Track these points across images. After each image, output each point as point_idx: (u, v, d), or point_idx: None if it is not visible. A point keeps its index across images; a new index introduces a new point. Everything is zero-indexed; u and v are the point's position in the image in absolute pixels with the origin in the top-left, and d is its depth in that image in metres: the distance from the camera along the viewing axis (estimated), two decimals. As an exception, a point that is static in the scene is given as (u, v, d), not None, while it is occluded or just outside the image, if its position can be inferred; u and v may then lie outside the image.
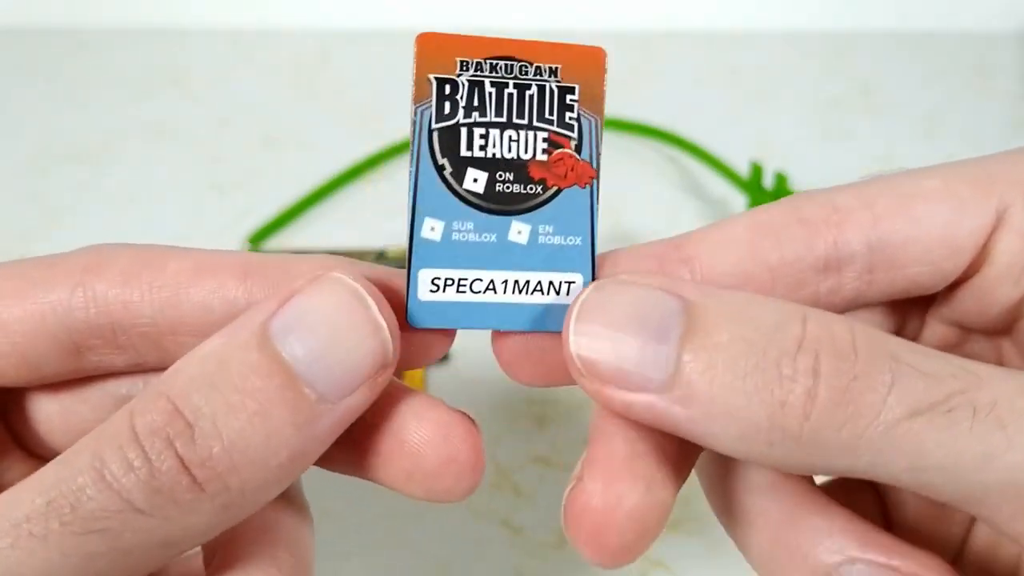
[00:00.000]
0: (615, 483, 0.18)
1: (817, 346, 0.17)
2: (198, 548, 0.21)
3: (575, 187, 0.20)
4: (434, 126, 0.20)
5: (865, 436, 0.17)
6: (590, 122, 0.20)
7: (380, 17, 0.66)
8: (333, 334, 0.18)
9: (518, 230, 0.20)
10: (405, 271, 0.20)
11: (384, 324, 0.19)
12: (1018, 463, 0.16)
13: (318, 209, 0.51)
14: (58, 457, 0.17)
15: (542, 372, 0.21)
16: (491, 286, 0.20)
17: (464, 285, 0.20)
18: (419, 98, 0.20)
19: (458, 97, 0.20)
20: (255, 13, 0.67)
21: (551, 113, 0.20)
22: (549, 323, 0.20)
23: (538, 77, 0.20)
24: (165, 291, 0.20)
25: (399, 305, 0.20)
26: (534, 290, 0.20)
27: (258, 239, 0.48)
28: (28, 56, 0.64)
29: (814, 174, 0.49)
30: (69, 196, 0.52)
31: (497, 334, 0.21)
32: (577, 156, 0.20)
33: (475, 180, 0.20)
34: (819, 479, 0.20)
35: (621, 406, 0.18)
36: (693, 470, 0.21)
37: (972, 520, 0.22)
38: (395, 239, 0.46)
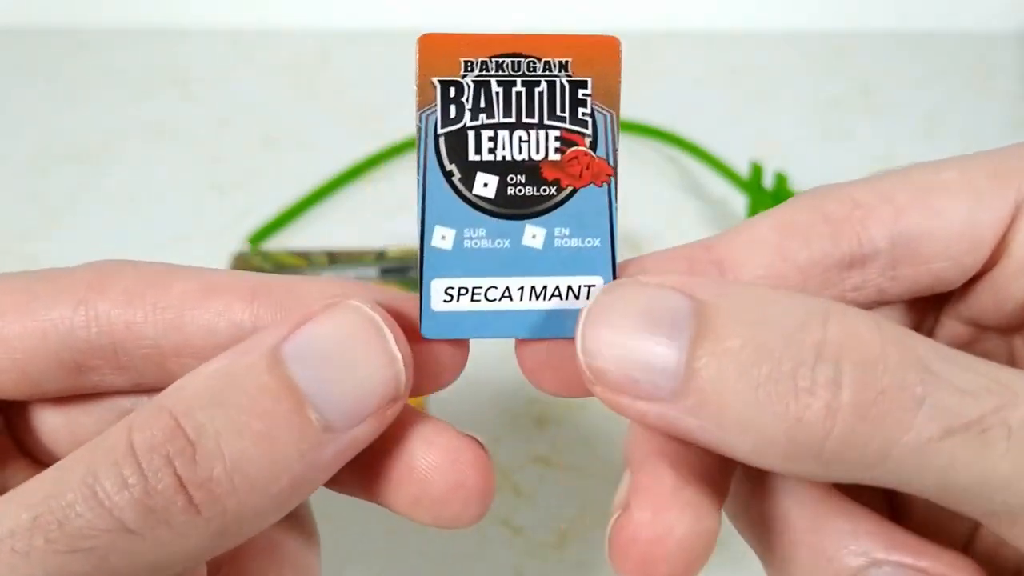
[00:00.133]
0: (664, 513, 0.17)
1: (839, 353, 0.16)
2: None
3: (591, 186, 0.20)
4: (440, 131, 0.19)
5: (892, 455, 0.16)
6: (605, 117, 0.19)
7: (380, 17, 0.66)
8: (347, 362, 0.18)
9: (532, 234, 0.20)
10: (416, 294, 0.20)
11: (399, 356, 0.18)
12: None
13: (318, 209, 0.51)
14: (50, 469, 0.17)
15: (566, 381, 0.20)
16: (507, 293, 0.20)
17: (479, 294, 0.20)
18: (423, 103, 0.19)
19: (464, 99, 0.19)
20: (255, 13, 0.66)
21: (563, 110, 0.19)
22: (570, 329, 0.19)
23: (547, 73, 0.19)
24: (169, 312, 0.20)
25: (410, 330, 0.19)
26: (552, 295, 0.20)
27: (258, 239, 0.48)
28: (28, 56, 0.64)
29: (814, 174, 0.49)
30: (69, 196, 0.52)
31: (520, 342, 0.20)
32: (592, 153, 0.20)
33: (485, 185, 0.19)
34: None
35: (635, 415, 0.17)
36: None
37: None
38: (395, 239, 0.46)
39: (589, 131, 0.19)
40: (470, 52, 0.19)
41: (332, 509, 0.36)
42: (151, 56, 0.64)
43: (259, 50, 0.65)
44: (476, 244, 0.19)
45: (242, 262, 0.45)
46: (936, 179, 0.20)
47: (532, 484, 0.36)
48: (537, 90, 0.19)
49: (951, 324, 0.22)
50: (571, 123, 0.19)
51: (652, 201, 0.51)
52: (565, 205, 0.20)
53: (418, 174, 0.19)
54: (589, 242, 0.20)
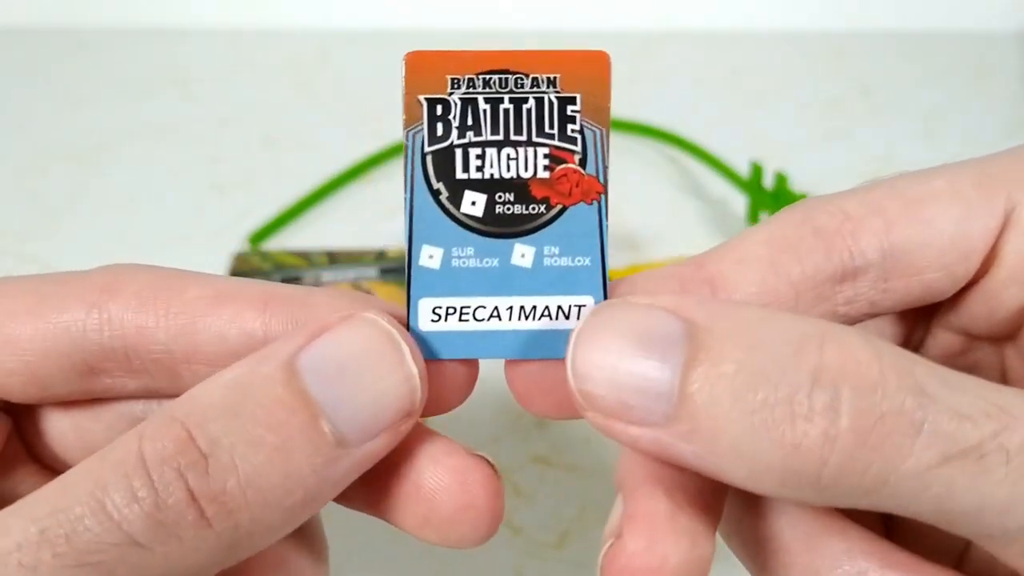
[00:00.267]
0: (659, 542, 0.16)
1: (836, 378, 0.16)
2: None
3: (581, 204, 0.19)
4: (427, 149, 0.19)
5: (890, 482, 0.16)
6: (595, 133, 0.19)
7: (380, 17, 0.66)
8: (363, 376, 0.18)
9: (521, 253, 0.19)
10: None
11: (415, 371, 0.18)
12: None
13: (318, 209, 0.51)
14: (58, 479, 0.17)
15: (557, 402, 0.20)
16: (495, 313, 0.19)
17: (467, 313, 0.19)
18: (410, 121, 0.19)
19: (450, 117, 0.19)
20: (255, 13, 0.66)
21: (551, 127, 0.19)
22: (560, 350, 0.18)
23: (535, 89, 0.19)
24: (181, 318, 0.19)
25: None
26: (542, 315, 0.19)
27: (258, 239, 0.48)
28: (28, 56, 0.64)
29: (814, 174, 0.49)
30: (69, 196, 0.52)
31: (510, 363, 0.20)
32: (582, 171, 0.19)
33: (473, 203, 0.19)
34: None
35: (628, 440, 0.17)
36: None
37: None
38: (395, 239, 0.46)
39: (579, 148, 0.19)
40: (457, 69, 0.19)
41: (332, 508, 0.36)
42: (151, 56, 0.64)
43: (259, 50, 0.65)
44: (464, 263, 0.19)
45: (242, 262, 0.45)
46: (925, 189, 0.19)
47: (532, 484, 0.36)
48: (525, 107, 0.19)
49: (942, 334, 0.22)
50: (560, 140, 0.19)
51: (652, 201, 0.51)
52: (554, 223, 0.19)
53: (405, 192, 0.19)
54: (579, 261, 0.19)
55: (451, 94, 0.19)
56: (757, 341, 0.16)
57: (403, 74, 0.19)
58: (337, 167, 0.52)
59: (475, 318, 0.19)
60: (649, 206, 0.51)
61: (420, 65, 0.19)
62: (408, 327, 0.19)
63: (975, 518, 0.16)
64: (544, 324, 0.19)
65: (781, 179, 0.46)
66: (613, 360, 0.17)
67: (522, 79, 0.19)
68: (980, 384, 0.16)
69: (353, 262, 0.44)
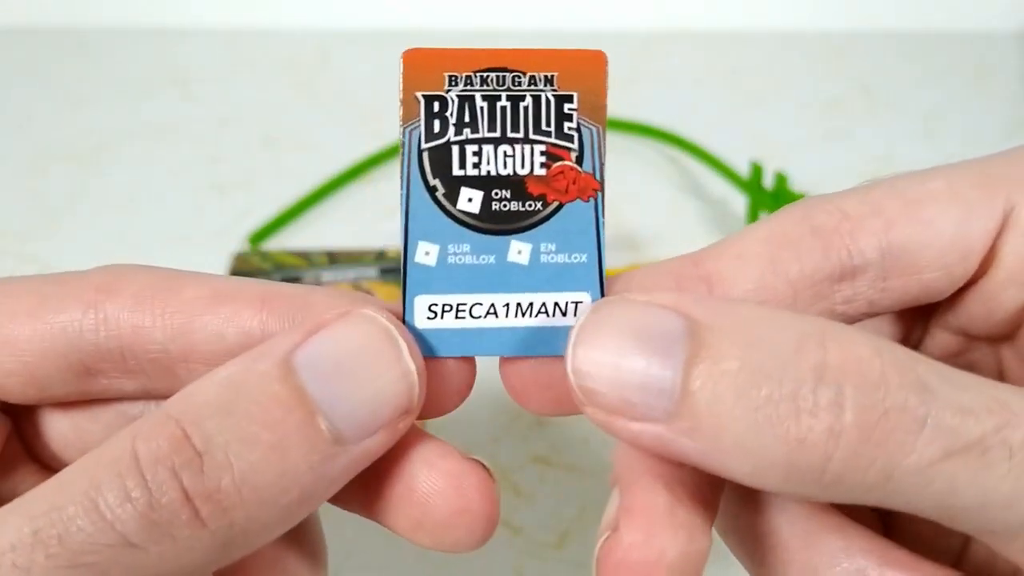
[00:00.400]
0: (656, 535, 0.17)
1: (840, 376, 0.16)
2: None
3: (578, 201, 0.19)
4: (424, 146, 0.19)
5: (894, 477, 0.16)
6: (591, 131, 0.19)
7: (380, 17, 0.66)
8: (361, 373, 0.17)
9: (518, 250, 0.19)
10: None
11: (413, 368, 0.18)
12: None
13: (318, 209, 0.51)
14: (52, 479, 0.17)
15: (553, 399, 0.20)
16: (492, 310, 0.19)
17: (463, 311, 0.19)
18: (407, 118, 0.19)
19: (448, 114, 0.19)
20: (255, 13, 0.66)
21: (548, 124, 0.19)
22: (557, 347, 0.19)
23: (532, 87, 0.19)
24: (178, 317, 0.19)
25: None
26: (539, 312, 0.19)
27: (258, 239, 0.48)
28: (28, 56, 0.64)
29: (814, 174, 0.49)
30: (69, 196, 0.52)
31: (505, 360, 0.20)
32: (578, 168, 0.19)
33: (470, 200, 0.19)
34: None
35: (629, 437, 0.17)
36: None
37: None
38: (395, 239, 0.46)
39: (575, 146, 0.19)
40: (454, 67, 0.19)
41: (330, 506, 0.36)
42: (151, 56, 0.64)
43: (259, 50, 0.65)
44: (460, 260, 0.19)
45: (242, 262, 0.45)
46: (924, 189, 0.19)
47: (532, 484, 0.36)
48: (522, 105, 0.19)
49: (940, 334, 0.22)
50: (557, 138, 0.19)
51: (652, 201, 0.51)
52: (551, 220, 0.19)
53: (402, 189, 0.19)
54: (576, 258, 0.19)
55: (448, 91, 0.19)
56: (757, 338, 0.16)
57: (401, 71, 0.19)
58: (337, 167, 0.52)
59: (471, 315, 0.19)
60: (649, 206, 0.51)
61: (418, 62, 0.19)
62: (404, 324, 0.19)
63: (978, 513, 0.16)
64: (541, 321, 0.19)
65: (781, 179, 0.46)
66: (614, 357, 0.17)
67: (519, 77, 0.19)
68: (981, 381, 0.16)
69: (353, 262, 0.44)
